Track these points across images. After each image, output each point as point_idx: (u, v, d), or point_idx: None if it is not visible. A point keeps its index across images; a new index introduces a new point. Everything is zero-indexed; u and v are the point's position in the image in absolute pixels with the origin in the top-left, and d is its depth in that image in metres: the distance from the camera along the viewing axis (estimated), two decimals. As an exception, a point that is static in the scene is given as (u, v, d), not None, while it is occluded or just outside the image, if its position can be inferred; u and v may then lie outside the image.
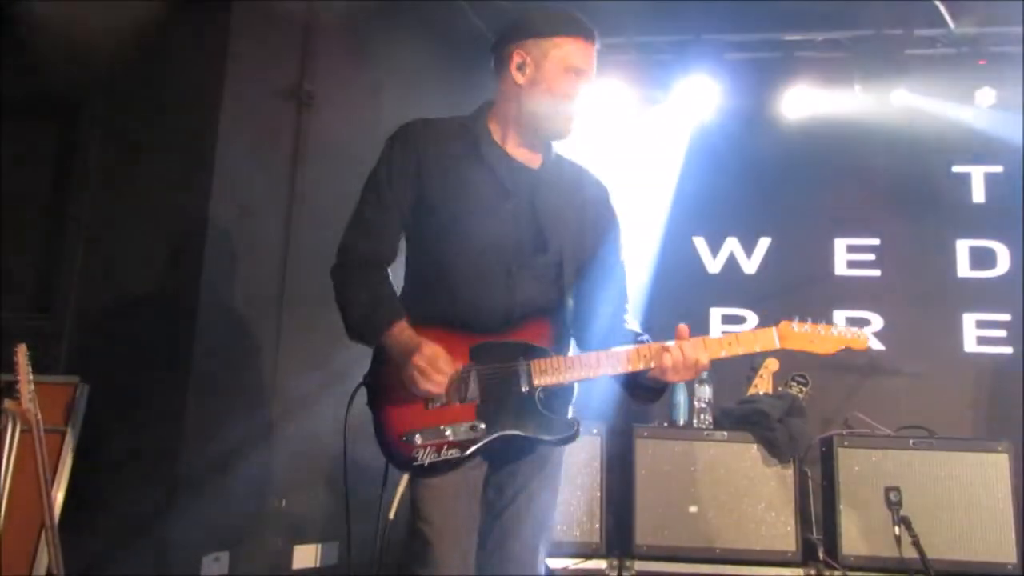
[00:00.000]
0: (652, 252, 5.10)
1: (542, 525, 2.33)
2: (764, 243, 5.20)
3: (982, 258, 4.97)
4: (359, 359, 2.33)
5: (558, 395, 2.26)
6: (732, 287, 5.16)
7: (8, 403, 3.00)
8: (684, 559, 3.86)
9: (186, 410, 3.52)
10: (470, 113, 2.42)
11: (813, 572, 3.86)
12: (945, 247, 5.01)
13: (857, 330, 2.33)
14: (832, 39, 5.03)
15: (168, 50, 3.77)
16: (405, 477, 2.18)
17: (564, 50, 2.31)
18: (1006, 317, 4.84)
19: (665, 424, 4.30)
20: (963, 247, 4.99)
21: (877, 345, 4.92)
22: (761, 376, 4.43)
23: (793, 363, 4.40)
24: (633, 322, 2.38)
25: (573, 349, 2.37)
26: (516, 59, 2.32)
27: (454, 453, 2.18)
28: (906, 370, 4.83)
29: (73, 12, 3.52)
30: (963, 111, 4.93)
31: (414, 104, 3.90)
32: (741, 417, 4.11)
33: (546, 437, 2.23)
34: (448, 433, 2.18)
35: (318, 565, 4.03)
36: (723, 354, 2.24)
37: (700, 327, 3.13)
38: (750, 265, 5.21)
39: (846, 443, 4.01)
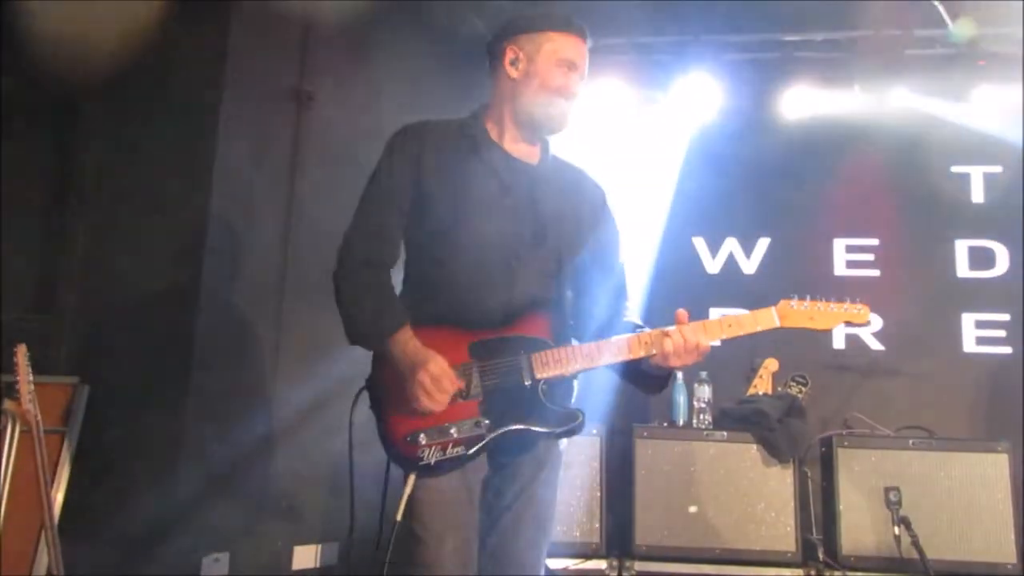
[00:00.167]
0: (652, 252, 5.08)
1: (542, 526, 2.33)
2: (764, 243, 5.19)
3: (981, 258, 4.96)
4: (360, 359, 2.33)
5: (560, 387, 2.27)
6: (732, 287, 5.14)
7: (8, 404, 3.00)
8: (684, 559, 3.86)
9: (186, 410, 3.52)
10: (466, 116, 2.43)
11: (813, 572, 3.86)
12: (944, 247, 5.00)
13: (857, 304, 2.33)
14: (831, 39, 5.02)
15: (168, 50, 3.76)
16: (411, 479, 2.17)
17: (556, 44, 2.33)
18: (1005, 317, 4.83)
19: (665, 424, 4.30)
20: (962, 247, 4.99)
21: (877, 345, 4.93)
22: (761, 376, 4.44)
23: (793, 363, 4.40)
24: (633, 314, 2.39)
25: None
26: (509, 55, 2.35)
27: (460, 451, 2.18)
28: (906, 370, 4.82)
29: (73, 12, 3.51)
30: (962, 111, 4.92)
31: (414, 105, 3.91)
32: (741, 417, 4.11)
33: (551, 429, 2.23)
34: (453, 431, 2.18)
35: (318, 565, 4.03)
36: (724, 336, 2.25)
37: (700, 327, 3.11)
38: (749, 265, 5.20)
39: (846, 443, 4.02)
